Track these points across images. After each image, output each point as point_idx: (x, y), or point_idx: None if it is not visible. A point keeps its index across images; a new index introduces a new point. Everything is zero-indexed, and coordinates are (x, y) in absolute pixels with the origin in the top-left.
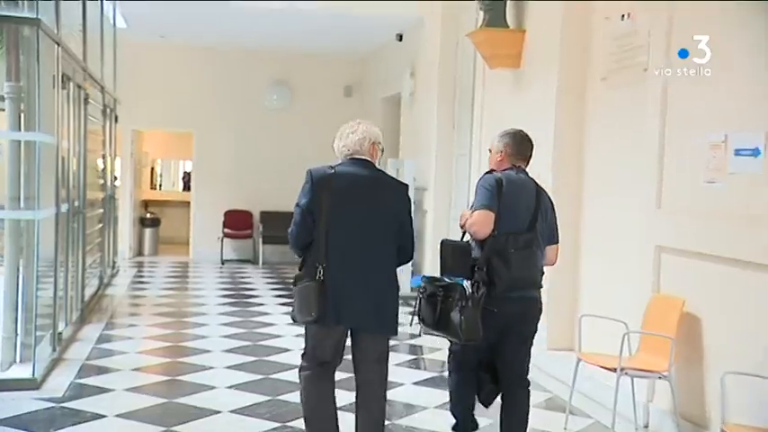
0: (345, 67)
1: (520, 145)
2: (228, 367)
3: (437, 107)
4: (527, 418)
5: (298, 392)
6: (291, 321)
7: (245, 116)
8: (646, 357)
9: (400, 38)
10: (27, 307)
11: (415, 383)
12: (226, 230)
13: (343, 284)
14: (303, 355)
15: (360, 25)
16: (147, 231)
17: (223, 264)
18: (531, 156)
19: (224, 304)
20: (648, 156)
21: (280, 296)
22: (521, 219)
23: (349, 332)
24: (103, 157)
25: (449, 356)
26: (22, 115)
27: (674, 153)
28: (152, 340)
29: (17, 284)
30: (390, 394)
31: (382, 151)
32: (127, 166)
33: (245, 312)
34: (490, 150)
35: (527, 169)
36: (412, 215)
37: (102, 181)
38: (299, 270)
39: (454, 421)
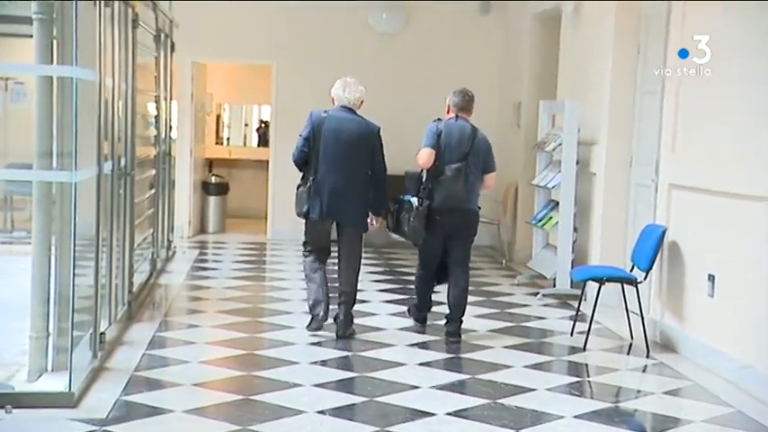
0: None
1: (462, 101)
2: (319, 385)
3: (615, 26)
4: (465, 293)
5: (414, 424)
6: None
7: (342, 43)
8: None
9: None
10: (62, 299)
11: (578, 417)
12: None
13: (326, 191)
14: (304, 243)
15: None
16: (212, 201)
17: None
18: (472, 108)
19: None
20: None
21: (387, 291)
22: (454, 154)
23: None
24: (156, 99)
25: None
26: (56, 43)
27: None
28: (219, 346)
29: (49, 269)
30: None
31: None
32: (186, 111)
33: None
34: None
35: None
36: (383, 148)
37: (154, 132)
38: (301, 180)
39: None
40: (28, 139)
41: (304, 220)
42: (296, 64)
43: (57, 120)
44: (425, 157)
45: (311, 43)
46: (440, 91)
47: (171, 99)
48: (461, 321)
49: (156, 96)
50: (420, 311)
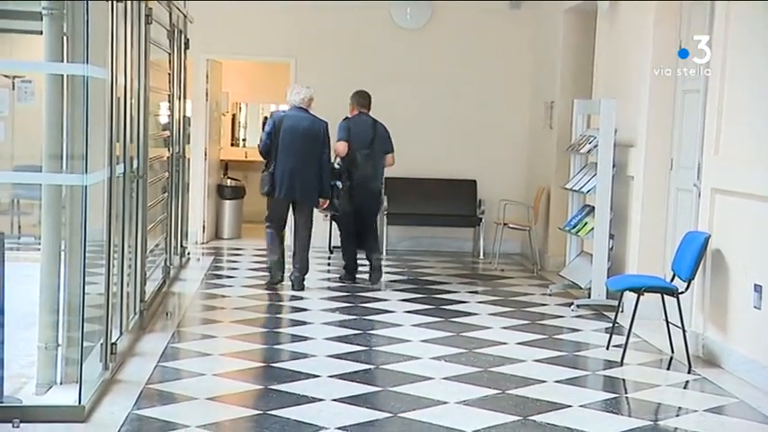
0: None
1: (364, 100)
2: (340, 400)
3: (654, 20)
4: (376, 242)
5: None
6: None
7: (363, 40)
8: None
9: None
10: (71, 308)
11: None
12: None
13: (284, 175)
14: (267, 218)
15: None
16: (227, 205)
17: (332, 252)
18: (370, 104)
19: (333, 310)
20: None
21: (412, 300)
22: (363, 142)
23: (292, 207)
24: (170, 98)
25: (338, 225)
26: (66, 39)
27: None
28: (235, 358)
29: (58, 276)
30: None
31: (311, 100)
32: (200, 111)
33: (364, 323)
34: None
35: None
36: (329, 141)
37: (167, 133)
38: (265, 167)
39: (345, 264)
40: (36, 140)
41: (267, 199)
42: (315, 62)
43: (66, 120)
44: (341, 147)
45: (331, 40)
46: (467, 89)
47: (185, 98)
48: (380, 261)
49: (169, 95)
50: (350, 273)
